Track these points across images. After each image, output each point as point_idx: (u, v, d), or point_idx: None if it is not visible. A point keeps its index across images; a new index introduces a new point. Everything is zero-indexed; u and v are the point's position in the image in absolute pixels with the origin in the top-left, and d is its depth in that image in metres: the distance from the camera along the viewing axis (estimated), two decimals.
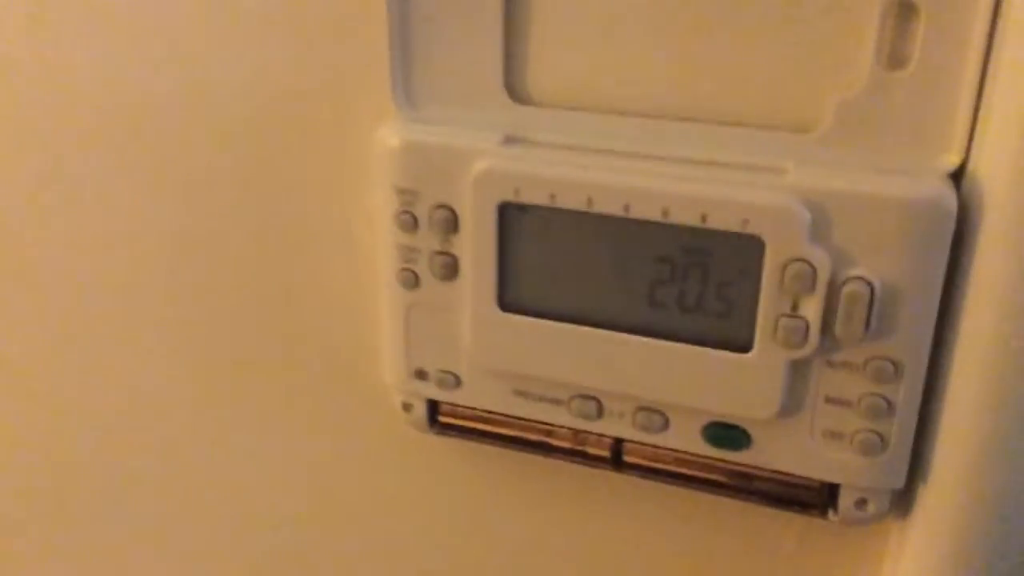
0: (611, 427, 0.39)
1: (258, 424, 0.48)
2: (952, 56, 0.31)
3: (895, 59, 0.32)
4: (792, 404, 0.35)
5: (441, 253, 0.38)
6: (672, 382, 0.36)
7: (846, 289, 0.33)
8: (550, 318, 0.37)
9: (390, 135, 0.38)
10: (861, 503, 0.37)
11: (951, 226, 0.31)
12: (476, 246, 0.37)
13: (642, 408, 0.38)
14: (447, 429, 0.43)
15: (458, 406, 0.42)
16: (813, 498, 0.37)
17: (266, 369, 0.47)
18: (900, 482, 0.36)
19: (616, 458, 0.40)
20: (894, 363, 0.34)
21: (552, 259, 0.37)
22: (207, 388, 0.49)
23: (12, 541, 0.58)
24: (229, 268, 0.45)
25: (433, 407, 0.43)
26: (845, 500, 0.37)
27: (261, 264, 0.45)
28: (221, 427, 0.49)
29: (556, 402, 0.39)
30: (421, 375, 0.41)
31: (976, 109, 0.31)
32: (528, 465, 0.44)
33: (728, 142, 0.35)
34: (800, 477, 0.37)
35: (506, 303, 0.38)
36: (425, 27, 0.37)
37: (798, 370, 0.35)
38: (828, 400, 0.35)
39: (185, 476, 0.52)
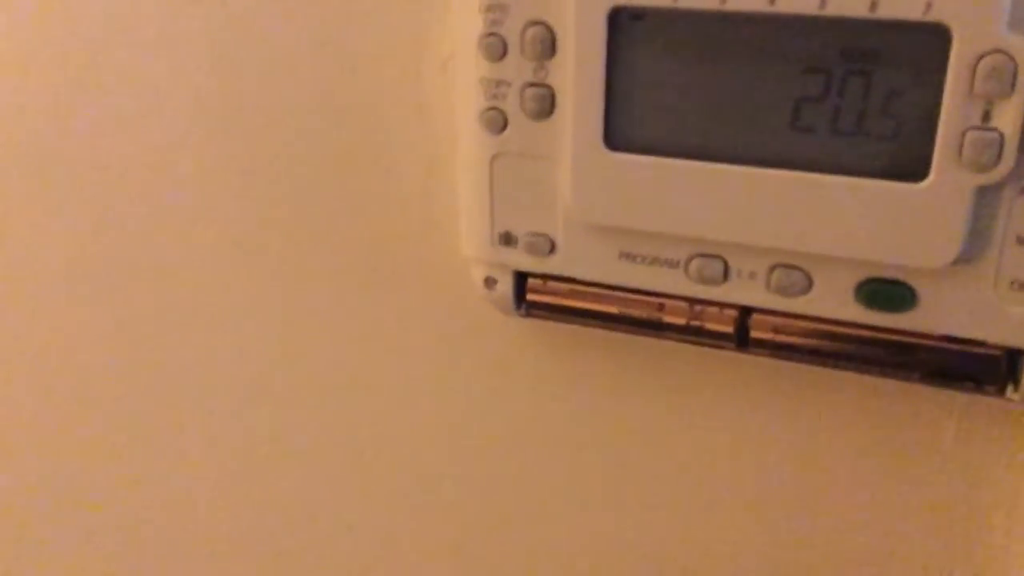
0: (739, 292, 0.32)
1: (318, 309, 0.43)
2: None
3: None
4: (975, 247, 0.29)
5: (534, 84, 0.32)
6: (820, 226, 0.30)
7: None
8: (668, 155, 0.31)
9: None
10: None
11: None
12: (578, 69, 0.31)
13: (779, 265, 0.32)
14: (536, 309, 0.36)
15: (550, 279, 0.36)
16: (990, 370, 0.31)
17: (327, 248, 0.41)
18: None
19: (741, 333, 0.33)
20: None
21: (672, 80, 0.30)
22: (261, 265, 0.43)
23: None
24: (282, 130, 0.40)
25: (520, 283, 0.36)
26: None
27: (320, 130, 0.39)
28: (276, 310, 0.44)
29: (672, 264, 0.33)
30: (508, 240, 0.35)
31: None
32: (633, 352, 0.37)
33: None
34: (974, 344, 0.31)
35: (614, 140, 0.32)
36: None
37: (986, 201, 0.28)
38: (1021, 240, 0.28)
39: (241, 367, 0.46)
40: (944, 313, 0.30)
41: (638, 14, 0.30)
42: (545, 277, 0.36)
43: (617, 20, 0.30)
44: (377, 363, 0.42)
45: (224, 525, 0.49)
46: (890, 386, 0.33)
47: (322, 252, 0.41)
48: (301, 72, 0.38)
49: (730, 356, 0.35)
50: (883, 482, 0.35)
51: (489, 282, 0.37)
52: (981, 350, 0.31)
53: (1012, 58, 0.26)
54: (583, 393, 0.39)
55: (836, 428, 0.35)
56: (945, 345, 0.31)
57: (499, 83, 0.33)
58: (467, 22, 0.32)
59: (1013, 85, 0.26)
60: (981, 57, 0.26)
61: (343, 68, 0.38)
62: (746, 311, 0.33)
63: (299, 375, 0.44)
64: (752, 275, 0.32)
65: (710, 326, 0.34)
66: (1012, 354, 0.30)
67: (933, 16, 0.26)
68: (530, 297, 0.36)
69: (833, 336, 0.32)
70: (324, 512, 0.47)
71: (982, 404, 0.33)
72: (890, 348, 0.32)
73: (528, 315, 0.37)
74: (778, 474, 0.37)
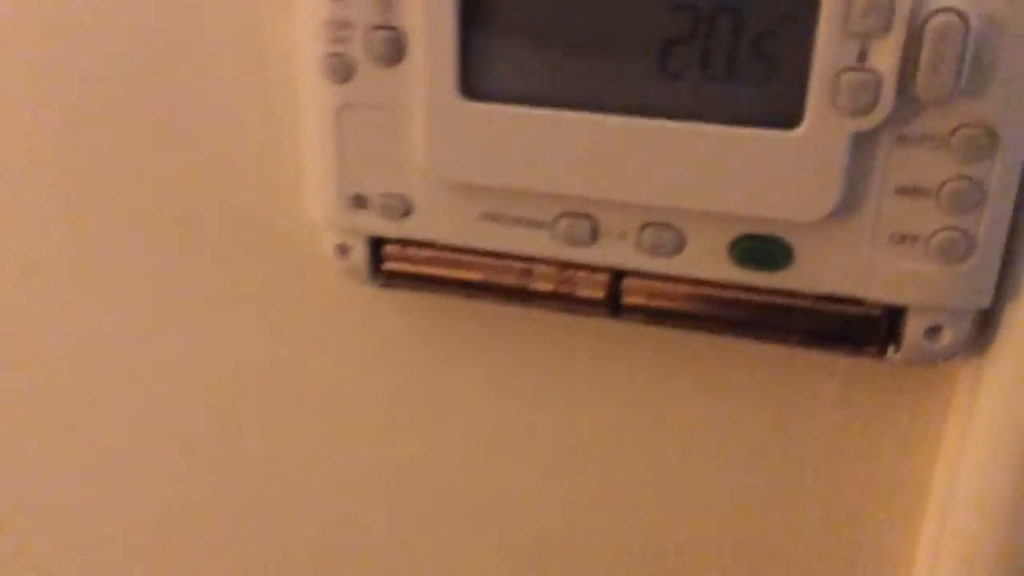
0: (609, 253, 0.30)
1: (153, 291, 0.38)
2: None
3: None
4: (852, 199, 0.27)
5: (381, 27, 0.29)
6: (692, 179, 0.28)
7: (932, 23, 0.24)
8: (529, 104, 0.28)
9: None
10: (933, 331, 0.29)
11: None
12: (428, 8, 0.28)
13: (650, 223, 0.29)
14: (393, 279, 0.33)
15: (408, 243, 0.33)
16: (870, 330, 0.29)
17: (160, 220, 0.37)
18: (986, 300, 0.28)
19: (613, 299, 0.31)
20: (989, 132, 0.25)
21: (532, 21, 0.28)
22: (84, 247, 0.38)
23: None
24: (105, 81, 0.35)
25: (376, 251, 0.33)
26: (912, 328, 0.29)
27: (147, 78, 0.35)
28: (116, 295, 0.39)
29: (538, 225, 0.30)
30: (359, 202, 0.32)
31: None
32: (501, 322, 0.35)
33: None
34: (853, 303, 0.29)
35: (471, 88, 0.29)
36: None
37: (862, 148, 0.26)
38: (899, 191, 0.27)
39: (88, 357, 0.41)
40: (821, 270, 0.28)
41: None
42: (403, 242, 0.33)
43: None
44: (228, 344, 0.39)
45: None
46: (769, 351, 0.32)
47: (160, 224, 0.37)
48: (128, 9, 0.34)
49: (603, 324, 0.33)
50: (764, 448, 0.34)
51: (341, 250, 0.33)
52: (860, 310, 0.29)
53: None
54: (447, 367, 0.36)
55: (714, 395, 0.34)
56: (823, 306, 0.29)
57: (343, 24, 0.29)
58: None
59: (890, 22, 0.24)
60: None
61: (174, 8, 0.34)
62: (618, 275, 0.31)
63: (148, 363, 0.40)
64: (623, 235, 0.30)
65: (580, 292, 0.31)
66: (892, 313, 0.29)
67: None
68: (387, 266, 0.33)
69: (708, 299, 0.30)
70: (188, 494, 0.43)
71: (865, 366, 0.31)
72: (766, 310, 0.30)
73: (385, 285, 0.34)
74: (655, 445, 0.35)
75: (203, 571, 0.43)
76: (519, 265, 0.32)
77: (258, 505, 0.41)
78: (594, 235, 0.30)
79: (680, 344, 0.33)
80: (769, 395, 0.33)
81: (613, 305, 0.31)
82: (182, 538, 0.43)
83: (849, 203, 0.27)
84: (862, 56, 0.25)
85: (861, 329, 0.29)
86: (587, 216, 0.30)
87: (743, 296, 0.30)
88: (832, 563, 0.34)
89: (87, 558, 0.45)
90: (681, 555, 0.36)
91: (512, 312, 0.34)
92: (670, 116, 0.27)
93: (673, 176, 0.28)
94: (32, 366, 0.42)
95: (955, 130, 0.26)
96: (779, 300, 0.30)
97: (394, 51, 0.29)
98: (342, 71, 0.30)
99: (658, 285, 0.31)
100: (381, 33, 0.29)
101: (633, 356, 0.34)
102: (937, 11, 0.24)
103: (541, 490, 0.37)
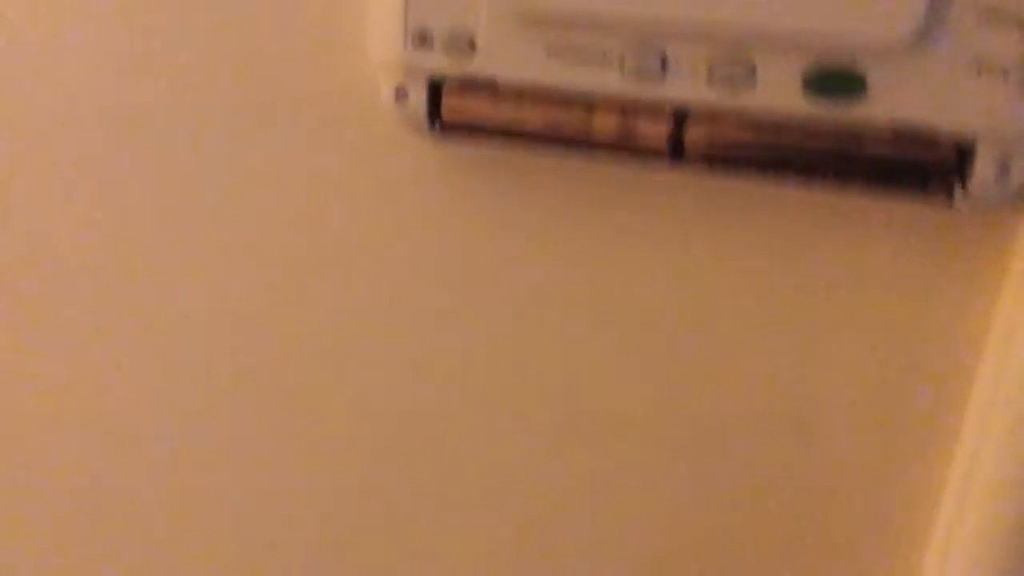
0: (677, 88, 0.30)
1: (219, 132, 0.38)
2: None
3: None
4: (933, 22, 0.27)
5: None
6: (766, 1, 0.27)
7: None
8: None
9: None
10: (1003, 169, 0.28)
11: None
12: None
13: (721, 55, 0.29)
14: (451, 127, 0.33)
15: (467, 88, 0.32)
16: (939, 168, 0.29)
17: (223, 61, 0.37)
18: None
19: (676, 139, 0.31)
20: None
21: None
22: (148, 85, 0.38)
23: None
24: None
25: (435, 99, 0.33)
26: (982, 164, 0.28)
27: None
28: (158, 134, 0.39)
29: (604, 59, 0.30)
30: (423, 40, 0.32)
31: None
32: (553, 180, 0.34)
33: None
34: (922, 144, 0.29)
35: None
36: None
37: None
38: (983, 15, 0.26)
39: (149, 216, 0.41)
40: (897, 99, 0.28)
41: None
42: (462, 88, 0.32)
43: None
44: (280, 195, 0.38)
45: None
46: (830, 203, 0.32)
47: (218, 65, 0.37)
48: None
49: (663, 179, 0.32)
50: (818, 306, 0.33)
51: (400, 94, 0.33)
52: (930, 149, 0.29)
53: None
54: (500, 227, 0.36)
55: (769, 253, 0.33)
56: (893, 145, 0.29)
57: None
58: None
59: None
60: None
61: None
62: (681, 119, 0.31)
63: (201, 207, 0.39)
64: (693, 67, 0.30)
65: (643, 130, 0.31)
66: (961, 155, 0.29)
67: None
68: (446, 110, 0.33)
69: (774, 134, 0.30)
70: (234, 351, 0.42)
71: (925, 220, 0.31)
72: (834, 146, 0.30)
73: (443, 134, 0.33)
74: (707, 306, 0.35)
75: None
76: (582, 106, 0.31)
77: (287, 379, 0.41)
78: (663, 68, 0.30)
79: (738, 197, 0.33)
80: (826, 252, 0.33)
81: (675, 146, 0.31)
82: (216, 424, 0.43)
83: (930, 27, 0.27)
84: None
85: (930, 168, 0.29)
86: (655, 48, 0.30)
87: (811, 131, 0.30)
88: (883, 423, 0.34)
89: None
90: (735, 423, 0.36)
91: (570, 169, 0.34)
92: None
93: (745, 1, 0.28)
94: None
95: None
96: (848, 135, 0.29)
97: None
98: None
99: (722, 125, 0.30)
100: None
101: (691, 211, 0.33)
102: None
103: (593, 356, 0.37)
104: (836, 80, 0.28)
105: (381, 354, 0.39)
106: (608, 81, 0.30)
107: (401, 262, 0.37)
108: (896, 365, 0.33)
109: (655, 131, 0.31)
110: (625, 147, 0.32)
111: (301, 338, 0.40)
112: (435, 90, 0.33)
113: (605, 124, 0.31)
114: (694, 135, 0.31)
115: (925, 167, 0.29)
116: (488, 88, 0.32)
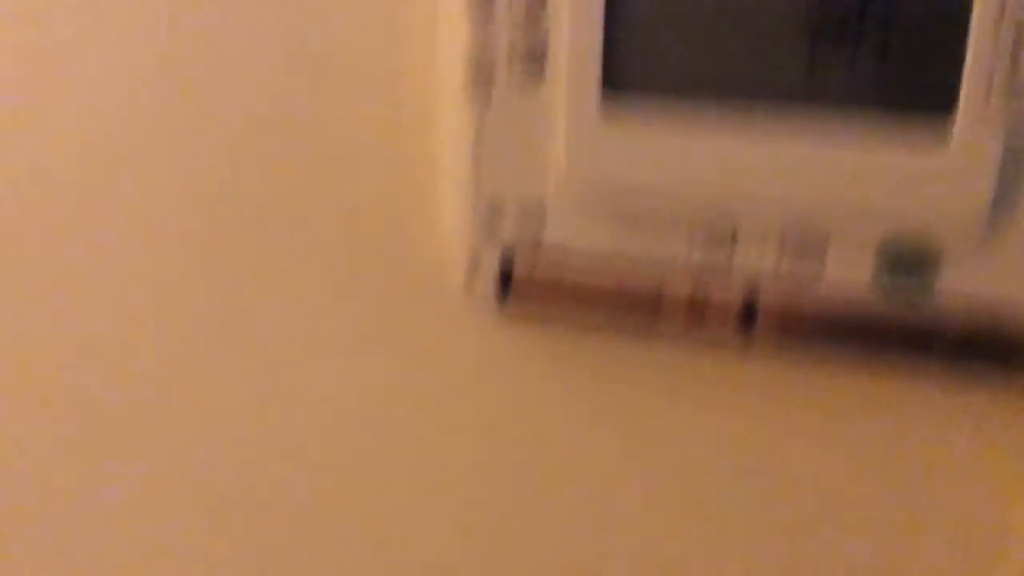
0: (748, 256, 0.30)
1: (271, 297, 0.39)
2: None
3: None
4: (1003, 203, 0.27)
5: (524, 37, 0.30)
6: (839, 177, 0.28)
7: None
8: (670, 103, 0.29)
9: None
10: None
11: None
12: (573, 19, 0.29)
13: (793, 226, 0.29)
14: (521, 296, 0.33)
15: (539, 251, 0.33)
16: (1016, 348, 0.28)
17: (284, 230, 0.38)
18: None
19: (748, 308, 0.31)
20: None
21: (675, 20, 0.29)
22: (212, 236, 0.39)
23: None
24: (246, 88, 0.37)
25: (505, 263, 0.34)
26: None
27: (287, 84, 0.36)
28: (228, 291, 0.40)
29: (675, 227, 0.31)
30: (495, 210, 0.32)
31: None
32: (623, 354, 0.34)
33: None
34: (995, 318, 0.28)
35: (613, 90, 0.30)
36: None
37: (1016, 155, 0.26)
38: None
39: (192, 372, 0.42)
40: (970, 279, 0.28)
41: None
42: (535, 250, 0.33)
43: None
44: (344, 361, 0.39)
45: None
46: (903, 385, 0.31)
47: (289, 231, 0.38)
48: (274, 34, 0.36)
49: (731, 359, 0.32)
50: (892, 490, 0.32)
51: (472, 263, 0.34)
52: (1006, 325, 0.28)
53: None
54: (566, 401, 0.36)
55: (844, 435, 0.32)
56: (968, 320, 0.29)
57: (486, 39, 0.31)
58: None
59: None
60: None
61: (314, 19, 0.35)
62: (753, 287, 0.31)
63: (263, 373, 0.40)
64: (763, 236, 0.30)
65: (715, 295, 0.31)
66: None
67: None
68: (517, 272, 0.33)
69: (847, 310, 0.30)
70: (293, 515, 0.42)
71: (1002, 400, 0.30)
72: (911, 317, 0.29)
73: (515, 301, 0.34)
74: (777, 480, 0.34)
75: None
76: (653, 272, 0.32)
77: (358, 532, 0.40)
78: (734, 237, 0.30)
79: (810, 378, 0.32)
80: (902, 431, 0.32)
81: (747, 312, 0.31)
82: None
83: (1000, 208, 0.27)
84: (1015, 60, 0.25)
85: (1011, 343, 0.28)
86: (727, 219, 0.30)
87: (884, 308, 0.29)
88: None
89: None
90: None
91: (638, 348, 0.34)
92: (819, 106, 0.28)
93: (819, 174, 0.28)
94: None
95: None
96: (923, 313, 0.29)
97: (536, 64, 0.30)
98: (483, 83, 0.31)
99: (794, 295, 0.30)
100: (524, 44, 0.30)
101: (761, 391, 0.33)
102: None
103: (659, 530, 0.36)
104: (908, 256, 0.28)
105: (447, 520, 0.39)
106: (678, 250, 0.31)
107: (466, 435, 0.37)
108: (977, 551, 0.32)
109: (727, 298, 0.31)
110: (695, 317, 0.32)
111: (370, 518, 0.40)
112: (507, 257, 0.33)
113: (676, 291, 0.32)
114: (766, 302, 0.31)
115: (1004, 347, 0.28)
116: (559, 254, 0.33)
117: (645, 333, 0.34)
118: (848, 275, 0.29)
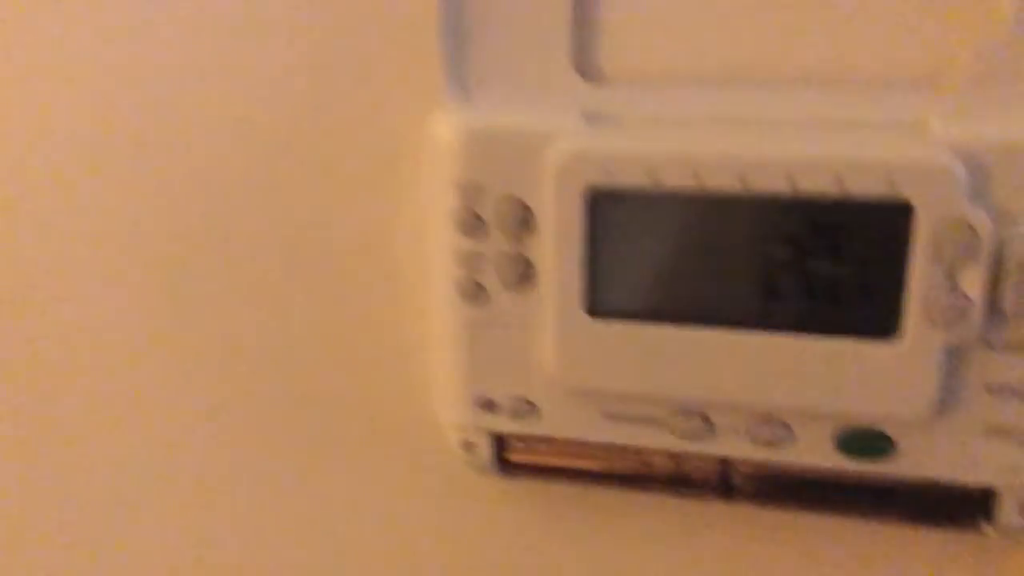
0: (722, 446, 0.33)
1: (294, 479, 0.42)
2: None
3: None
4: (948, 397, 0.30)
5: (512, 257, 0.33)
6: (799, 385, 0.31)
7: (1013, 251, 0.28)
8: (648, 322, 0.32)
9: (444, 125, 0.33)
10: None
11: None
12: (558, 243, 0.32)
13: (760, 420, 0.33)
14: (517, 470, 0.37)
15: (531, 439, 0.36)
16: (965, 508, 0.32)
17: (295, 413, 0.40)
18: None
19: (725, 482, 0.34)
20: None
21: (648, 253, 0.32)
22: (224, 426, 0.42)
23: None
24: (250, 288, 0.39)
25: (499, 445, 0.37)
26: (1006, 507, 0.32)
27: (287, 286, 0.39)
28: (239, 475, 0.42)
29: (655, 422, 0.34)
30: (487, 406, 0.35)
31: None
32: (615, 507, 0.38)
33: (853, 100, 0.30)
34: (947, 485, 0.32)
35: (596, 309, 0.32)
36: (479, 4, 0.32)
37: (956, 356, 0.30)
38: (991, 390, 0.30)
39: (210, 525, 0.44)
40: (921, 458, 0.32)
41: (614, 193, 0.31)
42: (526, 439, 0.36)
43: (594, 198, 0.31)
44: (354, 531, 0.41)
45: None
46: (861, 527, 0.35)
47: (298, 420, 0.40)
48: (275, 240, 0.38)
49: (713, 509, 0.36)
50: None
51: (467, 445, 0.37)
52: (954, 491, 0.32)
53: (973, 228, 0.28)
54: (569, 553, 0.39)
55: (817, 569, 0.36)
56: (922, 489, 0.32)
57: (475, 255, 0.33)
58: (441, 199, 0.33)
59: (976, 252, 0.28)
60: (943, 228, 0.28)
61: (312, 225, 0.38)
62: (726, 462, 0.34)
63: (274, 546, 0.43)
64: (735, 430, 0.33)
65: (695, 471, 0.34)
66: (986, 492, 0.32)
67: (896, 193, 0.28)
68: (511, 458, 0.36)
69: (814, 483, 0.33)
70: None
71: (959, 539, 0.34)
72: (869, 493, 0.33)
73: (509, 475, 0.37)
74: None
75: None
76: (638, 456, 0.35)
77: None
78: (708, 431, 0.33)
79: (786, 525, 0.36)
80: (866, 569, 0.36)
81: (724, 485, 0.34)
82: None
83: (946, 402, 0.30)
84: (951, 280, 0.29)
85: (957, 507, 0.32)
86: (701, 414, 0.33)
87: (845, 481, 0.33)
88: None
89: None
90: None
91: (627, 496, 0.37)
92: (777, 331, 0.31)
93: (781, 382, 0.31)
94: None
95: None
96: (880, 485, 0.33)
97: (524, 278, 0.33)
98: (474, 294, 0.34)
99: (766, 472, 0.34)
100: (511, 262, 0.33)
101: (744, 538, 0.37)
102: (1014, 238, 0.28)
103: None
104: (866, 442, 0.32)
105: None
106: (659, 439, 0.34)
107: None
108: None
109: (705, 472, 0.34)
110: (678, 483, 0.35)
111: None
112: (499, 441, 0.36)
113: (659, 466, 0.35)
114: (739, 479, 0.34)
115: (953, 510, 0.32)
116: (549, 442, 0.36)
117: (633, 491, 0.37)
118: (812, 457, 0.33)
